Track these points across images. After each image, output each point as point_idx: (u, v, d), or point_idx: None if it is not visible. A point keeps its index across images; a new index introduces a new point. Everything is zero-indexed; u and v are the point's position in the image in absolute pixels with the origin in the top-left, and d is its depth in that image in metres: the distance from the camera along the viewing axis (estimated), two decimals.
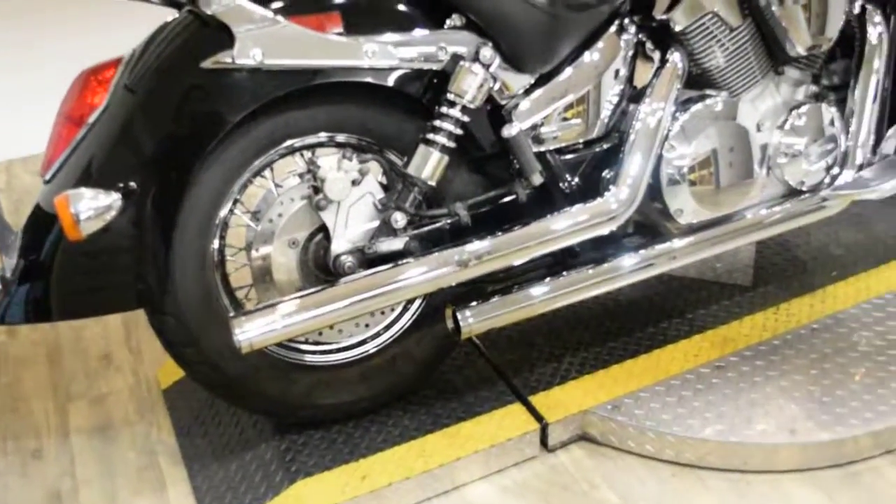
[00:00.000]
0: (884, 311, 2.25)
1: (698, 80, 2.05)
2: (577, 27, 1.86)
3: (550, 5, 1.80)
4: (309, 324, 1.77)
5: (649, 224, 2.08)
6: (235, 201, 1.81)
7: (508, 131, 1.81)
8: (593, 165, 1.96)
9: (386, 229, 1.82)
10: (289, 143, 1.80)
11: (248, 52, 1.63)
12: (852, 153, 2.16)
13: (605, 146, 1.96)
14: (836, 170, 2.15)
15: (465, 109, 1.77)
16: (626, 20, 1.95)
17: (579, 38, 1.88)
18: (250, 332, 1.72)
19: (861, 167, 2.17)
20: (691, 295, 2.33)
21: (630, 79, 1.97)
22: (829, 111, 2.12)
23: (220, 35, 1.63)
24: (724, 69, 2.02)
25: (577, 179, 1.94)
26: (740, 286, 2.36)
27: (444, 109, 1.76)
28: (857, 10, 2.14)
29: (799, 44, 2.03)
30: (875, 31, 2.13)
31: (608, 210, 1.90)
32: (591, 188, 1.95)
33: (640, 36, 2.00)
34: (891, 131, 2.20)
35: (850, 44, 2.18)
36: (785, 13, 1.98)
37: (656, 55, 2.00)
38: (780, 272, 2.40)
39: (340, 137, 1.83)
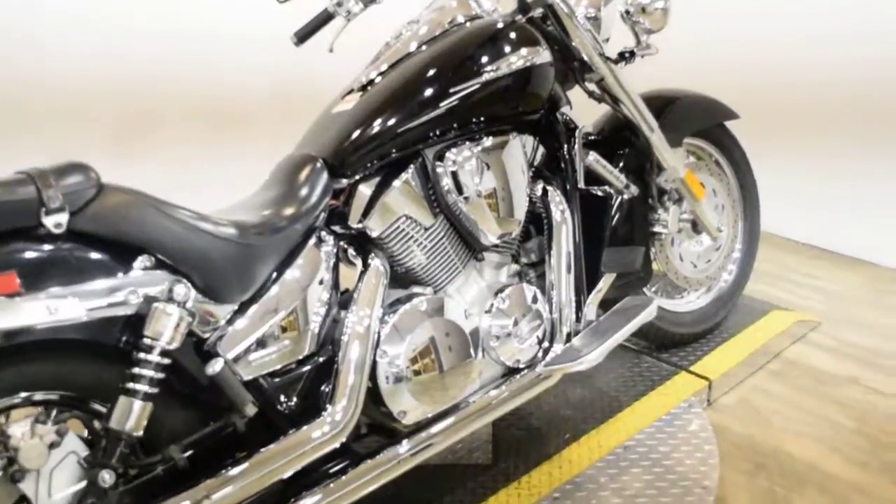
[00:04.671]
0: (617, 466, 2.35)
1: (403, 279, 2.11)
2: (271, 251, 1.87)
3: (240, 235, 1.79)
4: None
5: (381, 426, 2.08)
6: None
7: (212, 368, 1.76)
8: (311, 381, 1.94)
9: (94, 490, 1.69)
10: None
11: None
12: (558, 325, 2.28)
13: (320, 360, 1.95)
14: (546, 344, 2.27)
15: (164, 352, 1.70)
16: (324, 233, 1.99)
17: (277, 259, 1.88)
18: None
19: (570, 337, 2.30)
20: (436, 482, 2.32)
21: (336, 287, 1.99)
22: (529, 289, 2.24)
23: None
24: (426, 266, 2.09)
25: (295, 399, 1.91)
26: (482, 464, 2.38)
27: (141, 355, 1.68)
28: (539, 192, 2.31)
29: (490, 233, 2.14)
30: (557, 209, 2.29)
31: (330, 427, 1.87)
32: (311, 405, 1.92)
33: (341, 243, 2.04)
34: (590, 297, 2.36)
35: (542, 222, 2.34)
36: (471, 208, 2.09)
37: (359, 261, 2.04)
38: (517, 443, 2.46)
39: (39, 395, 1.70)
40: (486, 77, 2.12)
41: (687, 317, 2.85)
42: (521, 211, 2.21)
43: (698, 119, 2.77)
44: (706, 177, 2.79)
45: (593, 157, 2.34)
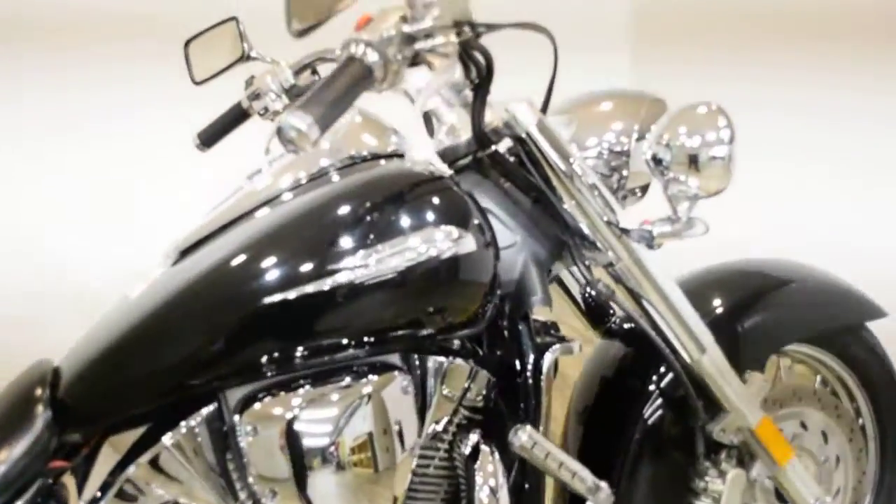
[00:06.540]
0: None
1: None
2: None
3: None
4: None
5: None
6: None
7: None
8: None
9: None
10: None
11: None
12: None
13: None
14: None
15: None
16: None
17: None
18: None
19: None
20: None
21: None
22: None
23: None
24: None
25: None
26: None
27: None
28: (468, 449, 1.37)
29: None
30: (485, 485, 1.33)
31: None
32: None
33: None
34: None
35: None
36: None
37: None
38: None
39: None
40: (362, 272, 1.23)
41: None
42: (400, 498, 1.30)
43: (813, 322, 1.71)
44: (813, 411, 1.70)
45: (527, 437, 1.35)
